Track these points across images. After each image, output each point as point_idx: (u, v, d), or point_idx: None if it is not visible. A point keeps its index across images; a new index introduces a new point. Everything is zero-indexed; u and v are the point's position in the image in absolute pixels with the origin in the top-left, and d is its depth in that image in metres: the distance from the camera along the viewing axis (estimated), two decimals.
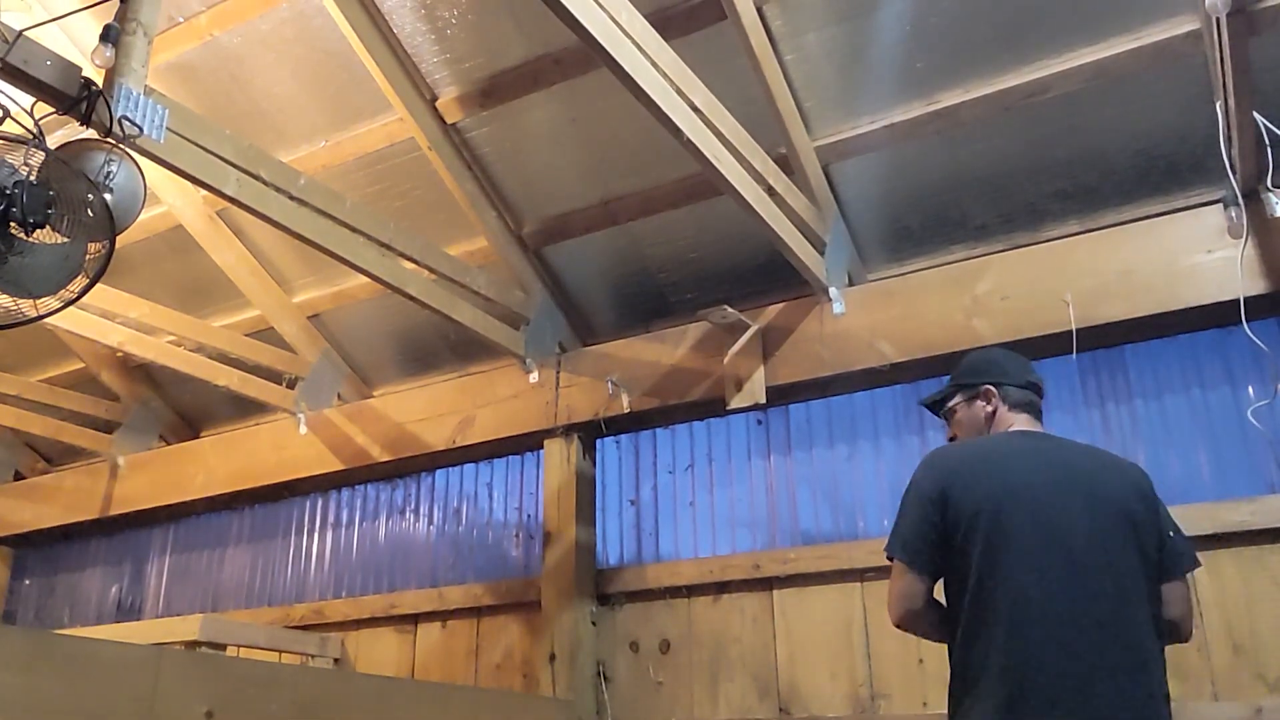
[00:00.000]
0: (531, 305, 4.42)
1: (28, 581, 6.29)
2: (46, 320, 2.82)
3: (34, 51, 2.35)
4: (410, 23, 3.81)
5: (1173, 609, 2.22)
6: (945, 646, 2.28)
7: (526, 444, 4.57)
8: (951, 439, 2.56)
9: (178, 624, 4.30)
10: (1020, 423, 2.41)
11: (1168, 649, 2.20)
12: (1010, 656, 2.05)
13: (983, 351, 2.63)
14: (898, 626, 2.29)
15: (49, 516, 5.92)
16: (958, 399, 2.53)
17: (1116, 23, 3.21)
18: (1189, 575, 2.27)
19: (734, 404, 3.94)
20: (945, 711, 2.23)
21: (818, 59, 3.54)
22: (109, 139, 2.51)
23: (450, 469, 4.87)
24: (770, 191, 3.44)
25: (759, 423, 4.16)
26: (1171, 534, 2.24)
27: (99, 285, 2.83)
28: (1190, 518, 3.13)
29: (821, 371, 3.83)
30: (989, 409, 2.45)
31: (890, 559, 2.28)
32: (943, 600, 2.28)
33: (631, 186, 4.10)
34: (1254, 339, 3.17)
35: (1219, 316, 3.30)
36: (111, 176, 2.73)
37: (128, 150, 2.69)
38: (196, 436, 5.80)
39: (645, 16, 2.81)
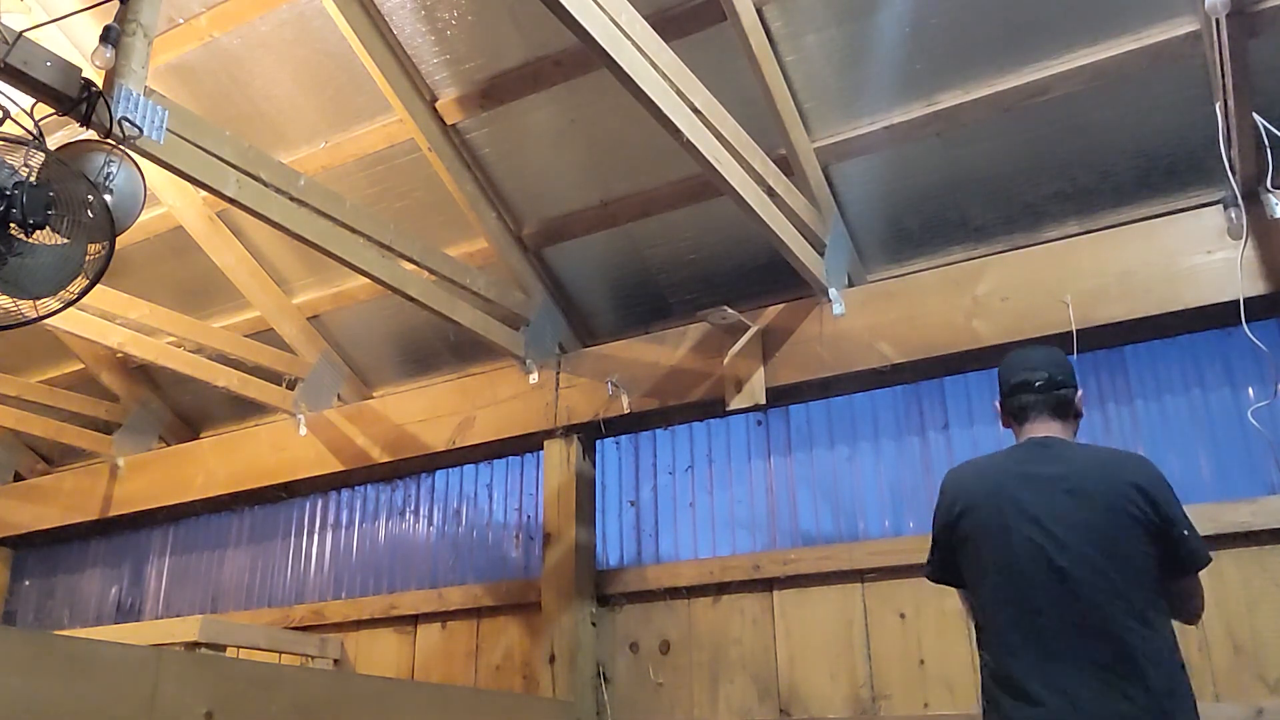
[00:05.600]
0: (531, 306, 4.42)
1: (27, 582, 6.29)
2: (46, 321, 2.82)
3: (34, 53, 2.36)
4: (410, 24, 3.81)
5: (1190, 602, 2.27)
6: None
7: (526, 445, 4.57)
8: None
9: (177, 625, 4.29)
10: (1032, 430, 2.41)
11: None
12: (993, 649, 2.24)
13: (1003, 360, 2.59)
14: None
15: (49, 517, 5.92)
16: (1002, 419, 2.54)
17: (1116, 24, 3.21)
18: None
19: (734, 405, 3.94)
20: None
21: (817, 60, 3.54)
22: (109, 140, 2.52)
23: (450, 470, 4.87)
24: (770, 192, 3.44)
25: (759, 424, 4.15)
26: (1185, 533, 2.24)
27: (99, 286, 2.83)
28: (1190, 519, 3.14)
29: (821, 372, 3.83)
30: (1007, 427, 2.50)
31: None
32: None
33: (631, 187, 4.10)
34: (1254, 340, 3.17)
35: (1219, 317, 3.30)
36: (111, 177, 2.74)
37: (128, 151, 2.69)
38: (196, 437, 5.80)
39: (645, 17, 2.81)
